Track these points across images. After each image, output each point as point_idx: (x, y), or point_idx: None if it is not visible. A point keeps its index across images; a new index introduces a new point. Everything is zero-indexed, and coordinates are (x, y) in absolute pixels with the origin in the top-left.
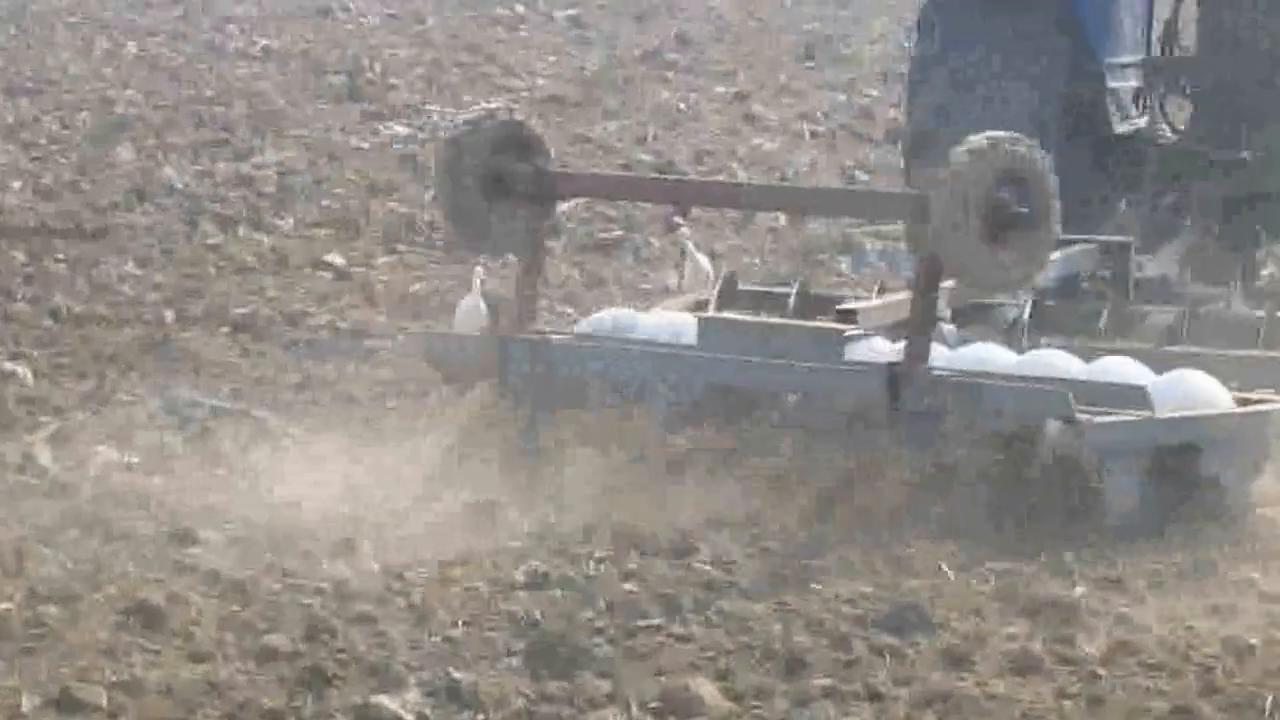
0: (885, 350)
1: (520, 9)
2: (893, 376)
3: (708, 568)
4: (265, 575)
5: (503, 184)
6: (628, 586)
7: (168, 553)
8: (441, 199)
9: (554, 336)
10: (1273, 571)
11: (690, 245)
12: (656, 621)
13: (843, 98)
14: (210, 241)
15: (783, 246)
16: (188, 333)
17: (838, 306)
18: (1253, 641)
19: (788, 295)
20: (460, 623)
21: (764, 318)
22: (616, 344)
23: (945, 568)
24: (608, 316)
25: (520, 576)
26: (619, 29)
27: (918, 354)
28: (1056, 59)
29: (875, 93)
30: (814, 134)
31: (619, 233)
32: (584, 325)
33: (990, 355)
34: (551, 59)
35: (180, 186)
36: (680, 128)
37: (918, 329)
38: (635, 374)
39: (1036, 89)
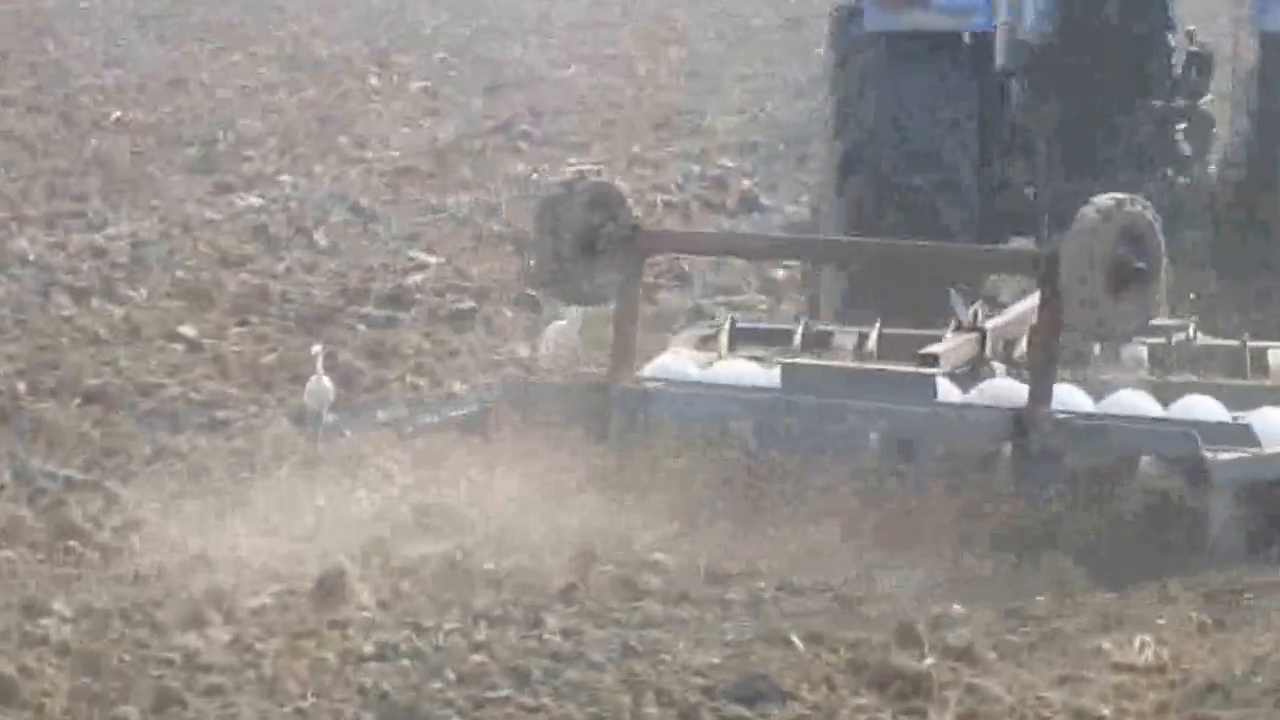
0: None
1: (373, 80)
2: (1019, 419)
3: (556, 638)
4: (116, 647)
5: (596, 240)
6: (476, 658)
7: (19, 625)
8: (540, 256)
9: (651, 385)
10: (1123, 641)
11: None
12: (505, 693)
13: (696, 168)
14: (63, 313)
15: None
16: (40, 404)
17: (920, 351)
18: (1104, 712)
19: (792, 332)
20: (310, 694)
21: (847, 363)
22: (726, 390)
23: (795, 638)
24: (672, 363)
25: (370, 648)
26: (471, 101)
27: (1041, 397)
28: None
29: (729, 163)
30: (668, 204)
31: (470, 304)
32: (650, 371)
33: (1070, 396)
34: (404, 130)
35: (33, 257)
36: (533, 199)
37: (1040, 373)
38: (758, 420)
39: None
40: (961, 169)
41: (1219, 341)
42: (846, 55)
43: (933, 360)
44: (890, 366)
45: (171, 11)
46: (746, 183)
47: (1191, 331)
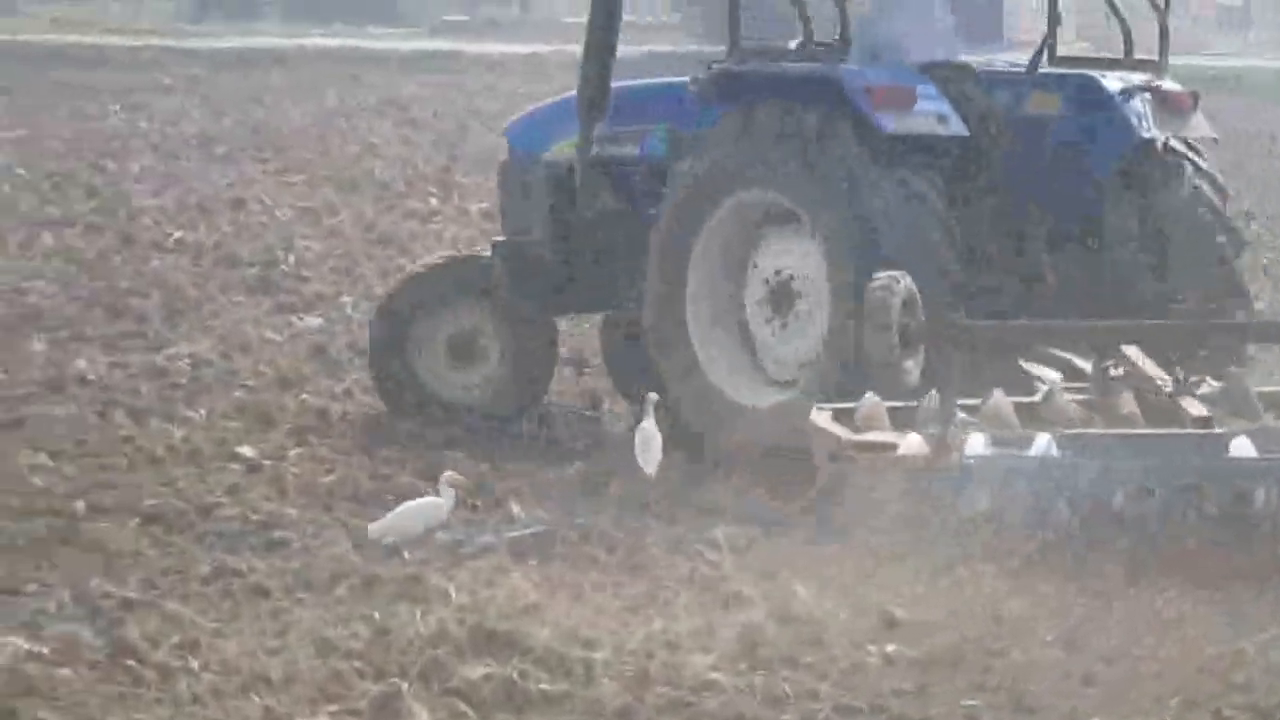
0: None
1: (434, 202)
2: None
3: None
4: None
5: (911, 335)
6: None
7: None
8: (877, 350)
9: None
10: None
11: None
12: None
13: None
14: (122, 432)
15: None
16: (99, 523)
17: (1194, 414)
18: None
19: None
20: None
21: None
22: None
23: None
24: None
25: None
26: None
27: None
28: None
29: None
30: None
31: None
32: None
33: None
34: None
35: (93, 377)
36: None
37: None
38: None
39: None
40: None
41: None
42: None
43: (1208, 421)
44: (1180, 430)
45: (231, 133)
46: None
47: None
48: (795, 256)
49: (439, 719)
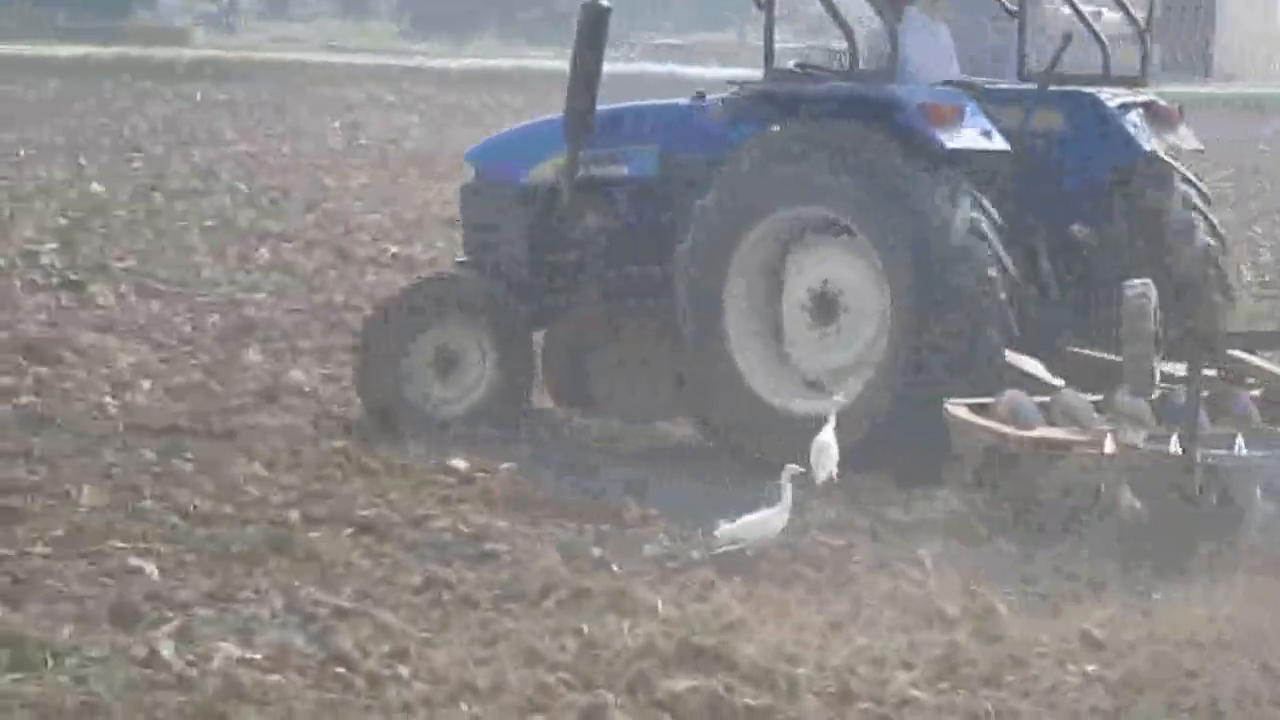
0: None
1: None
2: None
3: None
4: None
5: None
6: None
7: None
8: (1138, 359)
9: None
10: None
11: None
12: None
13: None
14: (336, 444)
15: None
16: (313, 533)
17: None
18: None
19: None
20: None
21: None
22: None
23: None
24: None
25: None
26: None
27: None
28: None
29: None
30: None
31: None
32: None
33: None
34: None
35: (308, 389)
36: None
37: None
38: None
39: None
40: None
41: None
42: None
43: None
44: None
45: (443, 150)
46: None
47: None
48: (839, 266)
49: None
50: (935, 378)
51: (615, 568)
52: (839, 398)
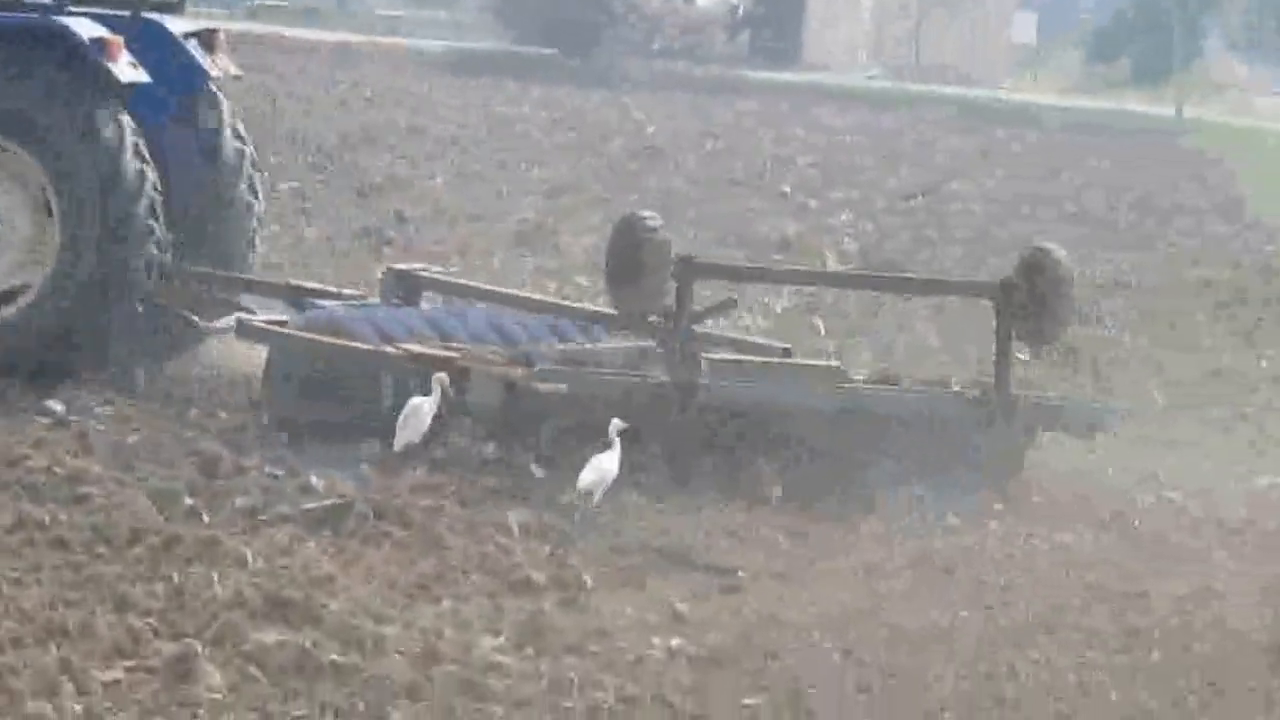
0: None
1: None
2: None
3: None
4: None
5: None
6: None
7: None
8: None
9: None
10: None
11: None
12: None
13: (553, 285)
14: None
15: None
16: None
17: None
18: None
19: None
20: None
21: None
22: None
23: None
24: None
25: None
26: (339, 206)
27: None
28: None
29: (584, 281)
30: None
31: None
32: None
33: None
34: (274, 228)
35: None
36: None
37: None
38: None
39: None
40: None
41: None
42: None
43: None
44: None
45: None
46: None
47: None
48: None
49: (232, 681)
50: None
51: (205, 517)
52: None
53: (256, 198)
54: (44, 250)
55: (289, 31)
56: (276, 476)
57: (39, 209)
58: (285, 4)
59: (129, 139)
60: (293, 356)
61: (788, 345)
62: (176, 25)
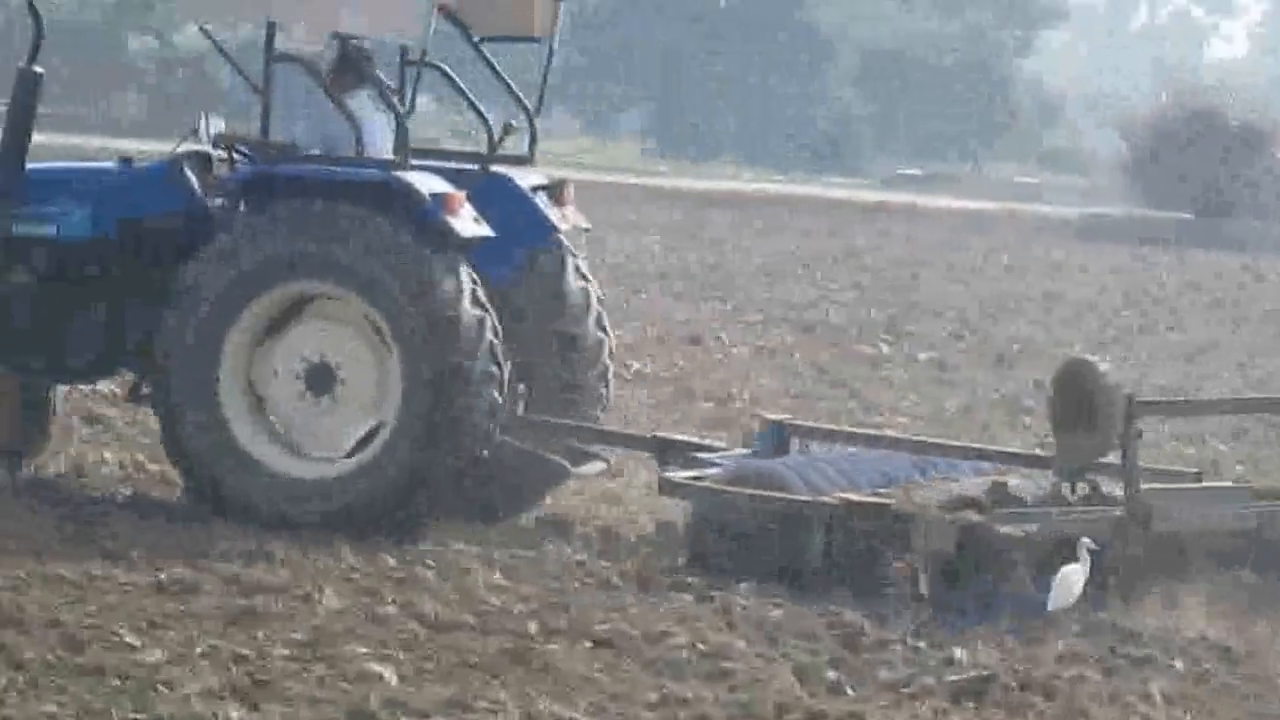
0: None
1: (885, 349)
2: None
3: None
4: None
5: None
6: None
7: None
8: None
9: None
10: None
11: None
12: None
13: (1191, 450)
14: (576, 558)
15: None
16: (550, 645)
17: None
18: None
19: None
20: None
21: None
22: None
23: None
24: None
25: None
26: (978, 374)
27: None
28: None
29: (1222, 446)
30: None
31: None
32: None
33: None
34: (913, 397)
35: (548, 501)
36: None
37: None
38: None
39: None
40: None
41: None
42: None
43: None
44: None
45: (684, 270)
46: (1239, 467)
47: None
48: (334, 340)
49: None
50: (447, 442)
51: (850, 690)
52: (1088, 540)
53: (606, 334)
54: (391, 388)
55: (921, 200)
56: (919, 649)
57: (380, 350)
58: (918, 173)
59: (467, 288)
60: (724, 510)
61: (1199, 470)
62: (526, 178)
